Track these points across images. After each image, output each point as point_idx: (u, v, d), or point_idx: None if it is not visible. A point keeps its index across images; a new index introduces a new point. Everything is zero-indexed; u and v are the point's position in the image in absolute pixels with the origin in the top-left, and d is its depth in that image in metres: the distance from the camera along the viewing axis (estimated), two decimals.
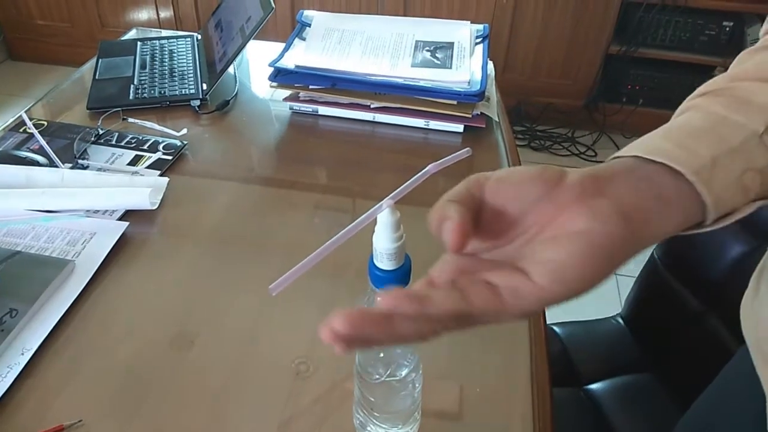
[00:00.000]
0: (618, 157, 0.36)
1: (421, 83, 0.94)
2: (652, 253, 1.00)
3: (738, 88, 0.38)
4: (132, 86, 1.04)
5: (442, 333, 0.31)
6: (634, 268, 1.11)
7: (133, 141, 0.90)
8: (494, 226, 0.34)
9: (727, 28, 2.24)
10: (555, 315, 0.81)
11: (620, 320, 1.07)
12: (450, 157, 0.38)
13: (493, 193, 0.34)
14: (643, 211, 0.32)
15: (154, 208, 0.76)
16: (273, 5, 0.96)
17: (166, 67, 1.10)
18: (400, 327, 0.30)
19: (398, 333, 0.30)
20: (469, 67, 0.96)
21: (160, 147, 0.89)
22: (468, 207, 0.33)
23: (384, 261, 0.38)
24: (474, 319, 0.31)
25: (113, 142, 0.90)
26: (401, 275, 0.39)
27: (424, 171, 0.38)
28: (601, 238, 0.31)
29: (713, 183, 0.33)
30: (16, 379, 0.56)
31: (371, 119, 0.98)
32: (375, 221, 0.37)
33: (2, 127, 0.93)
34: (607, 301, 1.79)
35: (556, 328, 1.05)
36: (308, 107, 1.00)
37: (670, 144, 0.34)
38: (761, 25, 0.45)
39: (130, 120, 0.97)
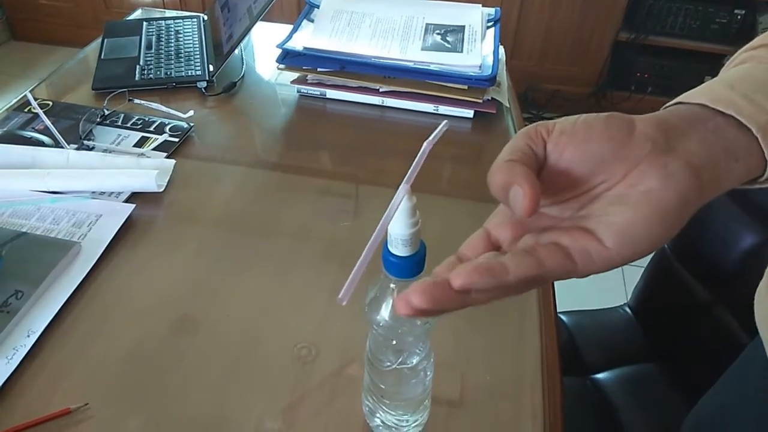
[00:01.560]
0: (680, 103, 0.35)
1: (432, 67, 0.92)
2: None
3: None
4: (138, 67, 1.03)
5: (511, 295, 0.31)
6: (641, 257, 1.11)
7: (139, 122, 0.89)
8: (558, 182, 0.33)
9: (739, 17, 2.21)
10: (562, 304, 0.80)
11: (628, 310, 1.06)
12: (436, 132, 0.38)
13: (558, 151, 0.33)
14: (712, 166, 0.31)
15: (161, 190, 0.75)
16: None
17: (172, 48, 1.08)
18: (475, 297, 0.30)
19: (472, 302, 0.31)
20: (480, 51, 0.95)
21: (167, 129, 0.88)
22: (533, 168, 0.32)
23: (399, 247, 0.38)
24: (545, 280, 0.31)
25: (119, 123, 0.89)
26: (416, 261, 0.39)
27: (422, 151, 0.37)
28: (671, 197, 0.30)
29: None
30: (22, 361, 0.55)
31: (380, 103, 0.97)
32: (389, 207, 0.37)
33: (7, 107, 0.92)
34: (612, 290, 1.79)
35: (563, 317, 1.05)
36: (316, 90, 0.99)
37: (736, 95, 0.33)
38: None
39: (136, 101, 0.95)
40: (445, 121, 0.38)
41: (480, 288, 0.30)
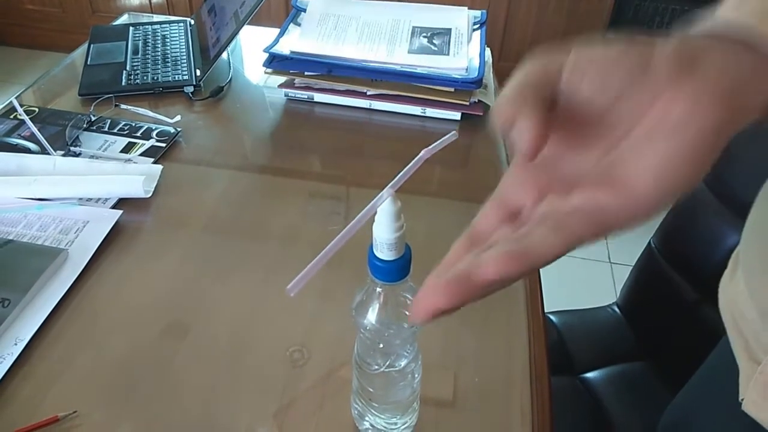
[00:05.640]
0: (697, 27, 0.32)
1: (418, 70, 0.93)
2: (649, 242, 1.00)
3: None
4: (124, 72, 1.02)
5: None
6: (630, 256, 1.11)
7: (126, 128, 0.89)
8: (576, 121, 0.29)
9: None
10: (550, 303, 0.81)
11: (616, 309, 1.07)
12: (439, 141, 0.37)
13: (575, 80, 0.29)
14: (740, 88, 0.28)
15: (148, 196, 0.75)
16: None
17: (159, 53, 1.08)
18: (499, 282, 0.27)
19: (494, 289, 0.27)
20: (466, 54, 0.95)
21: (154, 134, 0.88)
22: (545, 99, 0.28)
23: (384, 251, 0.38)
24: (574, 248, 0.28)
25: (106, 129, 0.89)
26: (401, 265, 0.39)
27: (418, 158, 0.37)
28: (704, 127, 0.26)
29: None
30: (9, 369, 0.55)
31: (367, 106, 0.97)
32: (365, 208, 0.37)
33: None
34: (601, 289, 1.80)
35: (552, 317, 1.05)
36: (303, 94, 0.99)
37: (746, 14, 0.31)
38: None
39: (123, 106, 0.95)
40: (453, 132, 0.37)
41: (512, 274, 0.26)
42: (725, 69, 0.28)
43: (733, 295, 0.57)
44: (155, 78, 1.01)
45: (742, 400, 0.53)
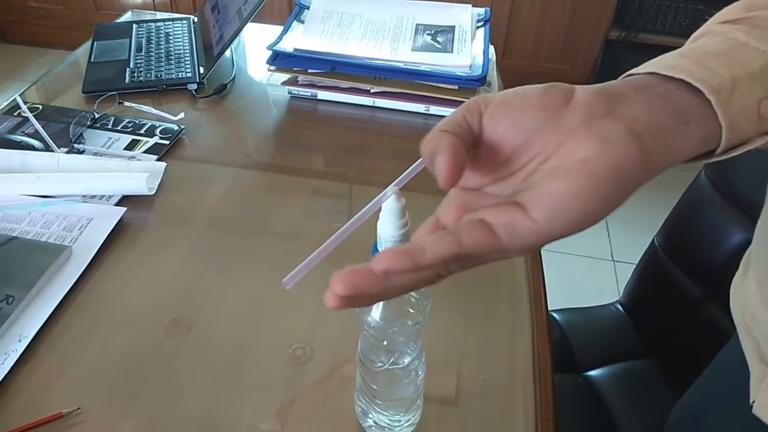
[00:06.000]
0: (630, 75, 0.33)
1: (422, 67, 0.92)
2: (653, 239, 1.00)
3: (757, 17, 0.35)
4: (128, 69, 1.02)
5: (447, 275, 0.30)
6: (633, 254, 1.11)
7: (129, 125, 0.89)
8: (496, 157, 0.32)
9: None
10: (554, 302, 0.81)
11: (619, 307, 1.07)
12: None
13: (493, 121, 0.32)
14: (657, 130, 0.29)
15: (152, 193, 0.75)
16: None
17: (162, 50, 1.08)
18: (398, 281, 0.29)
19: (398, 286, 0.30)
20: (470, 52, 0.95)
21: (157, 131, 0.88)
22: (462, 138, 0.31)
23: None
24: (474, 258, 0.30)
25: (109, 126, 0.89)
26: None
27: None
28: (606, 165, 0.28)
29: (731, 105, 0.30)
30: (13, 366, 0.55)
31: (371, 104, 0.97)
32: (379, 208, 0.37)
33: None
34: (605, 287, 1.80)
35: (555, 315, 1.05)
36: (307, 91, 0.99)
37: (688, 62, 0.32)
38: None
39: (126, 104, 0.95)
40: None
41: (399, 270, 0.28)
42: (641, 115, 0.29)
43: (745, 296, 0.57)
44: (159, 75, 1.01)
45: (753, 402, 0.53)
